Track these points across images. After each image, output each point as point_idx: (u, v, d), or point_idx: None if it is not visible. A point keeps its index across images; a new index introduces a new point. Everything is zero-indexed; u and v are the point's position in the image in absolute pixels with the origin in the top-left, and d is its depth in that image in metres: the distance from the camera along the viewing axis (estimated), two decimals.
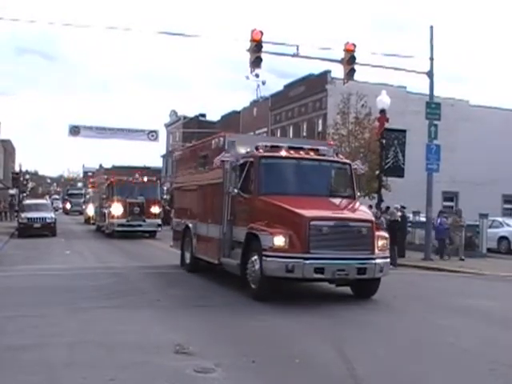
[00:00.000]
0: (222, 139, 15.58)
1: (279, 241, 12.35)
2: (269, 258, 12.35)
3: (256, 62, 21.74)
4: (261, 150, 14.51)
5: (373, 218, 13.79)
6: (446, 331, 10.49)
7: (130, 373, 7.32)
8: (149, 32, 67.20)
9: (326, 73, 43.63)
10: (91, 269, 18.68)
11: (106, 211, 35.96)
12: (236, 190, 14.16)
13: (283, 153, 14.61)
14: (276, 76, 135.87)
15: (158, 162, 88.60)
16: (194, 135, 65.58)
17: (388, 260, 13.58)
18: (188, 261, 18.05)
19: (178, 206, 21.36)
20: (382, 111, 25.32)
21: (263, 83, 36.98)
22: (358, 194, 14.78)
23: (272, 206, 13.31)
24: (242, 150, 14.94)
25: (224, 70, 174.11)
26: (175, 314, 11.36)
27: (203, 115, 77.41)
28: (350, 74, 22.95)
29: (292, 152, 14.75)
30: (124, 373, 7.29)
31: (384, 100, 25.61)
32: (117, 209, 34.51)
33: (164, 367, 7.57)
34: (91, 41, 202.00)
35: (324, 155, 15.20)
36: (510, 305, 14.16)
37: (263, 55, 21.81)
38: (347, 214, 13.63)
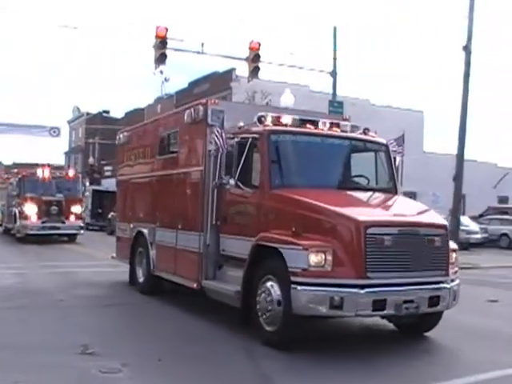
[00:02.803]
0: (201, 108, 11.02)
1: (318, 259, 8.13)
2: (301, 287, 8.13)
3: (161, 59, 21.81)
4: (267, 123, 10.04)
5: (446, 223, 9.57)
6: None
7: (33, 375, 7.17)
8: (51, 26, 65.73)
9: (231, 70, 43.81)
10: None
11: (17, 211, 30.70)
12: (233, 182, 9.94)
13: (296, 126, 10.32)
14: (183, 74, 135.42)
15: (60, 160, 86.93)
16: (98, 131, 64.71)
17: (459, 281, 9.56)
18: (141, 279, 13.95)
19: (123, 205, 16.36)
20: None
21: (166, 80, 36.75)
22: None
23: (298, 204, 9.08)
24: (234, 124, 10.55)
25: (129, 66, 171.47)
26: (80, 314, 11.15)
27: (107, 112, 76.31)
28: (255, 71, 23.40)
29: (310, 126, 10.41)
30: (27, 375, 7.13)
31: (287, 99, 26.00)
32: (30, 208, 29.58)
33: (68, 368, 7.44)
34: None
35: (346, 132, 10.82)
36: None
37: (168, 52, 21.86)
38: (414, 217, 9.36)
